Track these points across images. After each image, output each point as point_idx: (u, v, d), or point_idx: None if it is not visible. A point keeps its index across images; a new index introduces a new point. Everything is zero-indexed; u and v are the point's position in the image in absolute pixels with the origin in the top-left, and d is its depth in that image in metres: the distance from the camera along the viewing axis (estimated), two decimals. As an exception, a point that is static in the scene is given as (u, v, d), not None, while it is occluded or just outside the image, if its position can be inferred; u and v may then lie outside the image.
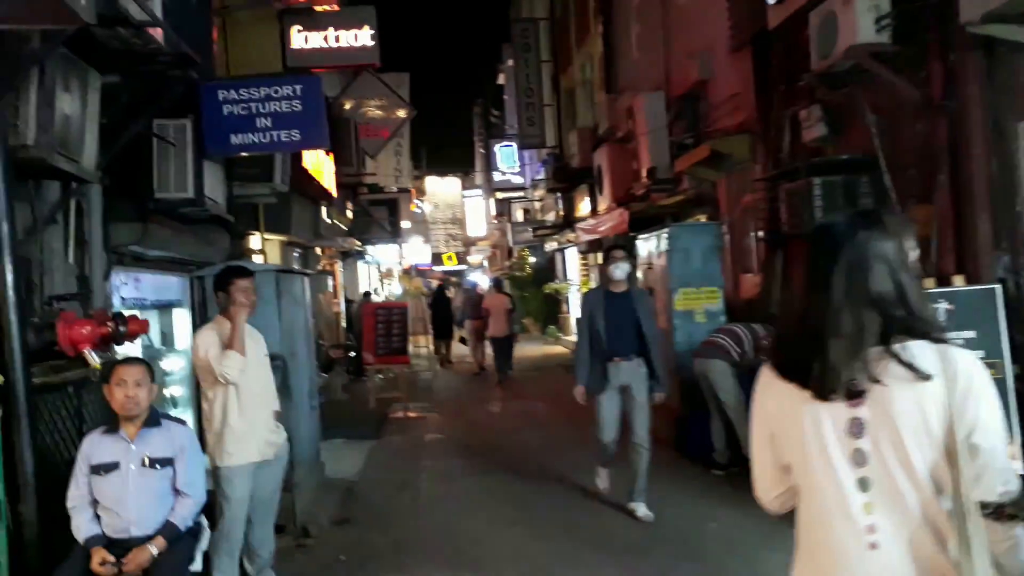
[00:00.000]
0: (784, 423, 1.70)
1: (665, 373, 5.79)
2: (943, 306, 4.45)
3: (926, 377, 1.54)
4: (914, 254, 1.73)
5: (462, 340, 17.13)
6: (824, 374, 1.60)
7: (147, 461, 3.26)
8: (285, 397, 5.24)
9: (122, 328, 3.73)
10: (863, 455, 1.58)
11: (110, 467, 3.23)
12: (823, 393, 1.60)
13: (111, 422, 3.31)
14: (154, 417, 3.32)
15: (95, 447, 3.27)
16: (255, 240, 9.35)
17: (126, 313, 4.87)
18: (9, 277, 3.32)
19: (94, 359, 3.61)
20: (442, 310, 17.15)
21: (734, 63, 8.71)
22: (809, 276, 1.70)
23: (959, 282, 4.66)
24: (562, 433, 8.65)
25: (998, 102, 4.93)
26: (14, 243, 3.37)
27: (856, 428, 1.59)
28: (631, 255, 5.55)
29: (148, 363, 3.36)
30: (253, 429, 4.09)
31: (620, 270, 5.53)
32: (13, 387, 3.32)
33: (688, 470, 6.71)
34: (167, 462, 3.30)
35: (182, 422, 3.47)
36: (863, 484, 1.58)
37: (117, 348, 4.05)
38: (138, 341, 5.70)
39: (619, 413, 5.64)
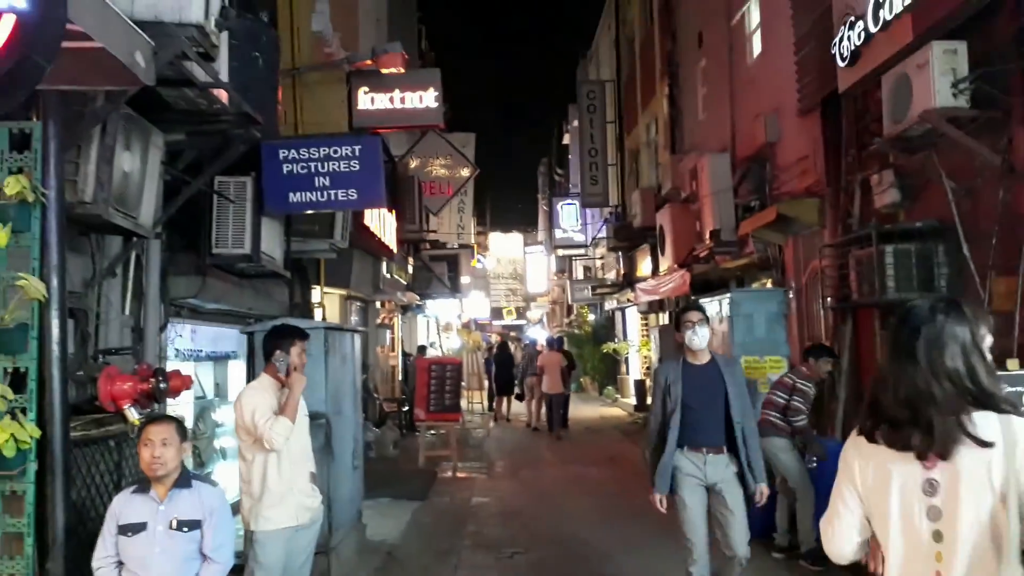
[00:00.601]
0: (869, 480, 1.95)
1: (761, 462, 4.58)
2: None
3: (987, 444, 1.78)
4: (988, 339, 1.97)
5: (518, 396, 17.22)
6: (919, 436, 1.85)
7: (175, 523, 3.17)
8: (327, 457, 5.16)
9: (163, 384, 3.71)
10: (937, 511, 1.84)
11: (138, 528, 3.15)
12: (927, 453, 1.85)
13: (143, 481, 3.25)
14: (185, 478, 3.25)
15: (124, 507, 3.21)
16: (315, 294, 9.46)
17: (172, 367, 4.91)
18: (55, 331, 3.34)
19: (133, 415, 3.59)
20: (505, 366, 17.35)
21: (802, 125, 8.50)
22: (892, 351, 1.96)
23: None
24: (614, 503, 8.30)
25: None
26: (63, 297, 3.39)
27: (930, 487, 1.85)
28: (707, 317, 4.58)
29: (179, 421, 3.30)
30: (291, 493, 3.99)
31: (699, 336, 4.44)
32: (50, 442, 3.30)
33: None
34: (195, 525, 3.21)
35: (214, 483, 3.38)
36: (936, 536, 1.84)
37: (159, 404, 4.03)
38: (186, 395, 5.76)
39: (707, 520, 4.50)
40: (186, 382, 4.06)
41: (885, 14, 5.86)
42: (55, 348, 3.34)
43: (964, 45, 5.22)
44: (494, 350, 19.39)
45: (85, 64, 2.89)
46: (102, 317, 4.81)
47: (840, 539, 2.02)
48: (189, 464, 6.35)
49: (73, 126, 3.50)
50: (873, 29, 6.03)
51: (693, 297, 11.07)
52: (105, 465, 4.03)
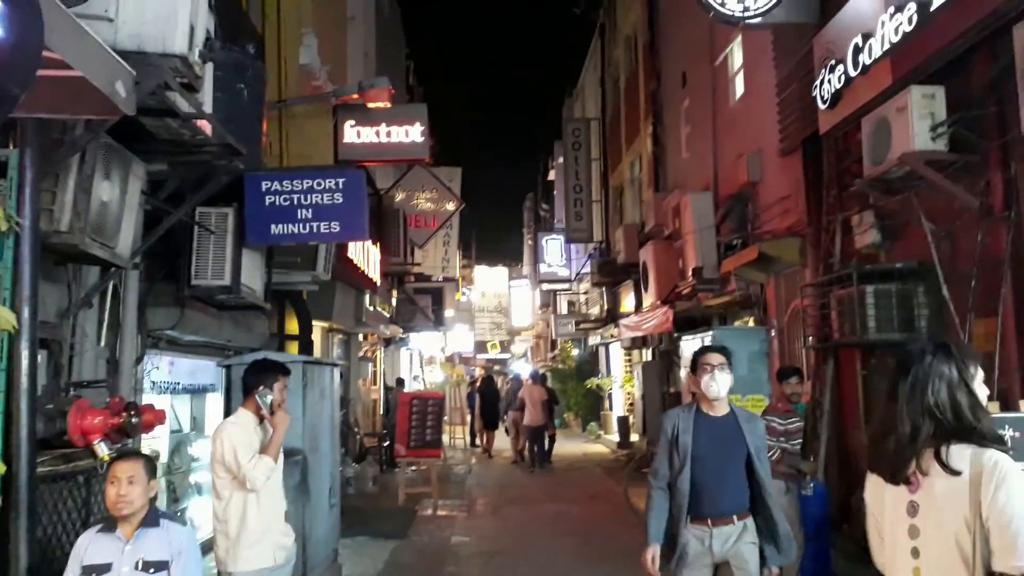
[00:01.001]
0: (876, 504, 2.24)
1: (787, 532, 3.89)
2: (1008, 433, 4.08)
3: (955, 473, 2.00)
4: (979, 375, 2.15)
5: (506, 430, 17.24)
6: (887, 465, 2.13)
7: (141, 564, 3.06)
8: (303, 495, 5.05)
9: (135, 419, 3.62)
10: (916, 530, 2.08)
11: (102, 569, 3.04)
12: (891, 479, 2.13)
13: (109, 519, 3.14)
14: (153, 516, 3.14)
15: (89, 546, 3.09)
16: (294, 326, 9.36)
17: (148, 400, 4.81)
18: (24, 363, 3.25)
19: (103, 451, 3.49)
20: (491, 400, 17.51)
21: (784, 166, 8.61)
22: (888, 388, 2.19)
23: (1027, 407, 4.30)
24: (597, 543, 8.19)
25: (1065, 215, 4.67)
26: (34, 328, 3.32)
27: (912, 508, 2.10)
28: (730, 360, 3.94)
29: (148, 457, 3.21)
30: (269, 532, 3.91)
31: (718, 383, 3.79)
32: (16, 478, 3.20)
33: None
34: (162, 566, 3.10)
35: (184, 522, 3.28)
36: (915, 552, 2.08)
37: (130, 439, 3.93)
38: (161, 429, 5.64)
39: None
40: (159, 416, 3.96)
41: (865, 58, 5.97)
42: (24, 380, 3.25)
43: (942, 90, 5.32)
44: (479, 384, 19.48)
45: (64, 92, 2.85)
46: (76, 348, 4.70)
47: (875, 554, 2.30)
48: (163, 501, 6.23)
49: (51, 154, 3.46)
50: (853, 73, 6.14)
51: (676, 334, 11.06)
52: (73, 502, 3.91)
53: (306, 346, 8.49)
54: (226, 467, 3.80)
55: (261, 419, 3.95)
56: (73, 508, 3.88)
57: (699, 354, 3.98)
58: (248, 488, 3.77)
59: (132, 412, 3.62)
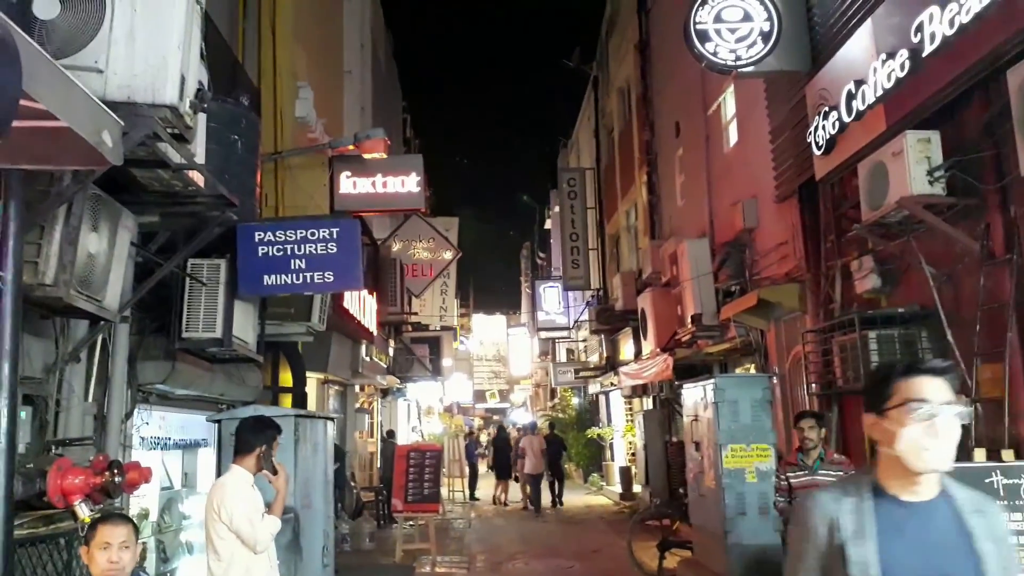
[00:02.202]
0: None
1: None
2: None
3: None
4: None
5: (516, 478, 17.98)
6: None
7: (121, 635, 2.90)
8: (295, 554, 4.87)
9: (118, 478, 3.49)
10: None
11: (79, 640, 2.89)
12: None
13: (88, 587, 2.99)
14: (134, 582, 3.00)
15: (66, 616, 2.95)
16: (290, 378, 9.22)
17: (137, 456, 4.66)
18: (4, 422, 3.12)
19: (84, 512, 3.35)
20: (504, 451, 18.31)
21: (780, 212, 8.60)
22: None
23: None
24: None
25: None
26: (14, 384, 3.19)
27: None
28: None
29: (133, 521, 3.08)
30: (266, 593, 3.78)
31: (942, 440, 1.88)
32: (-10, 542, 3.04)
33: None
34: (143, 636, 2.94)
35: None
36: None
37: (113, 500, 3.79)
38: (151, 486, 5.47)
39: None
40: (144, 475, 3.82)
41: (858, 105, 6.00)
42: (2, 439, 3.11)
43: (937, 134, 5.32)
44: (491, 434, 20.49)
45: (50, 143, 2.79)
46: (63, 404, 4.58)
47: None
48: (152, 561, 6.02)
49: (36, 206, 3.40)
50: (847, 119, 6.16)
51: (677, 382, 10.91)
52: (53, 565, 3.75)
53: (300, 398, 8.35)
54: (233, 529, 3.71)
55: (253, 474, 3.86)
56: (54, 572, 3.72)
57: (896, 377, 1.96)
58: (257, 550, 3.70)
59: (115, 471, 3.48)
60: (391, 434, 16.64)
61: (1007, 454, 4.21)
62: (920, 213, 5.43)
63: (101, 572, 2.94)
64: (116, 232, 4.05)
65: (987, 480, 4.02)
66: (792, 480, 5.28)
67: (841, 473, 4.49)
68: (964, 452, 4.80)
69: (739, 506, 6.75)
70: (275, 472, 3.92)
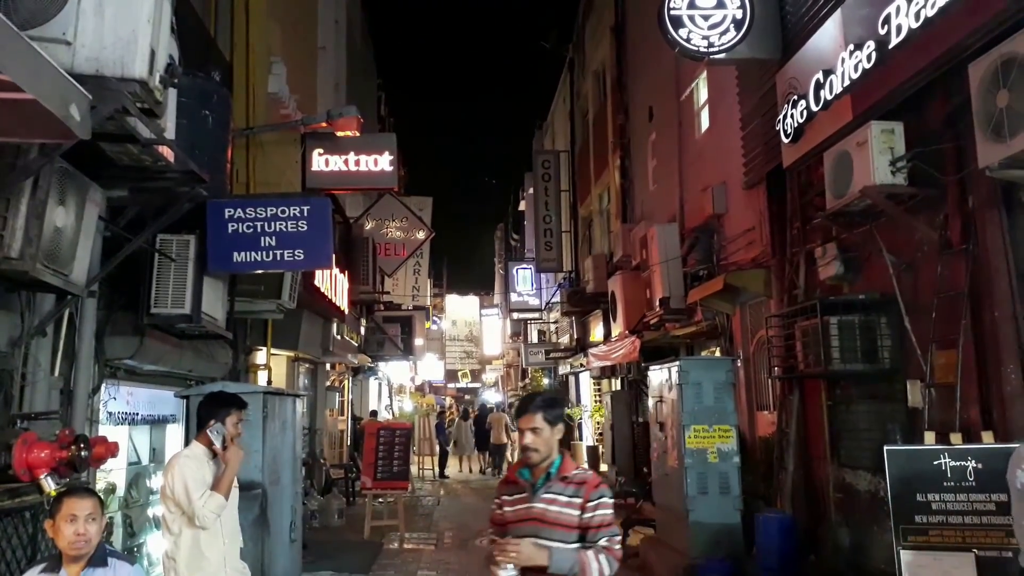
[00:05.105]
0: None
1: None
2: (970, 464, 4.11)
3: None
4: None
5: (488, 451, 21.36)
6: None
7: (87, 606, 2.93)
8: (263, 529, 4.92)
9: (84, 452, 3.50)
10: None
11: (46, 611, 2.91)
12: None
13: (54, 558, 3.01)
14: (100, 556, 3.01)
15: (32, 587, 2.96)
16: (261, 356, 9.20)
17: (104, 432, 4.66)
18: (-32, 394, 3.13)
19: (49, 485, 3.36)
20: (483, 427, 21.40)
21: (748, 198, 8.72)
22: None
23: (987, 439, 4.34)
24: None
25: (1020, 247, 4.76)
26: (-20, 358, 3.19)
27: None
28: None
29: (98, 495, 3.09)
30: (222, 569, 3.78)
31: None
32: (-46, 515, 3.06)
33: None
34: (109, 608, 2.97)
35: (131, 560, 3.15)
36: None
37: (79, 473, 3.80)
38: (119, 461, 5.46)
39: None
40: (111, 449, 3.84)
41: (826, 94, 6.10)
42: (-33, 412, 3.12)
43: (901, 125, 5.44)
44: (473, 413, 23.23)
45: (16, 115, 2.78)
46: (28, 378, 4.55)
47: None
48: (119, 535, 6.02)
49: (2, 178, 3.37)
50: (815, 108, 6.26)
51: (644, 364, 11.07)
52: (19, 539, 3.76)
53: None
54: (176, 502, 3.70)
55: (215, 453, 3.85)
56: (19, 546, 3.73)
57: None
58: (197, 525, 3.66)
59: (81, 445, 3.49)
60: (373, 414, 16.76)
61: (955, 437, 4.37)
62: (882, 203, 5.56)
63: (67, 544, 2.95)
64: (84, 206, 4.02)
65: (935, 462, 4.18)
66: (508, 508, 3.30)
67: (576, 499, 3.08)
68: (916, 435, 4.97)
69: (701, 485, 6.92)
70: (224, 448, 3.83)
